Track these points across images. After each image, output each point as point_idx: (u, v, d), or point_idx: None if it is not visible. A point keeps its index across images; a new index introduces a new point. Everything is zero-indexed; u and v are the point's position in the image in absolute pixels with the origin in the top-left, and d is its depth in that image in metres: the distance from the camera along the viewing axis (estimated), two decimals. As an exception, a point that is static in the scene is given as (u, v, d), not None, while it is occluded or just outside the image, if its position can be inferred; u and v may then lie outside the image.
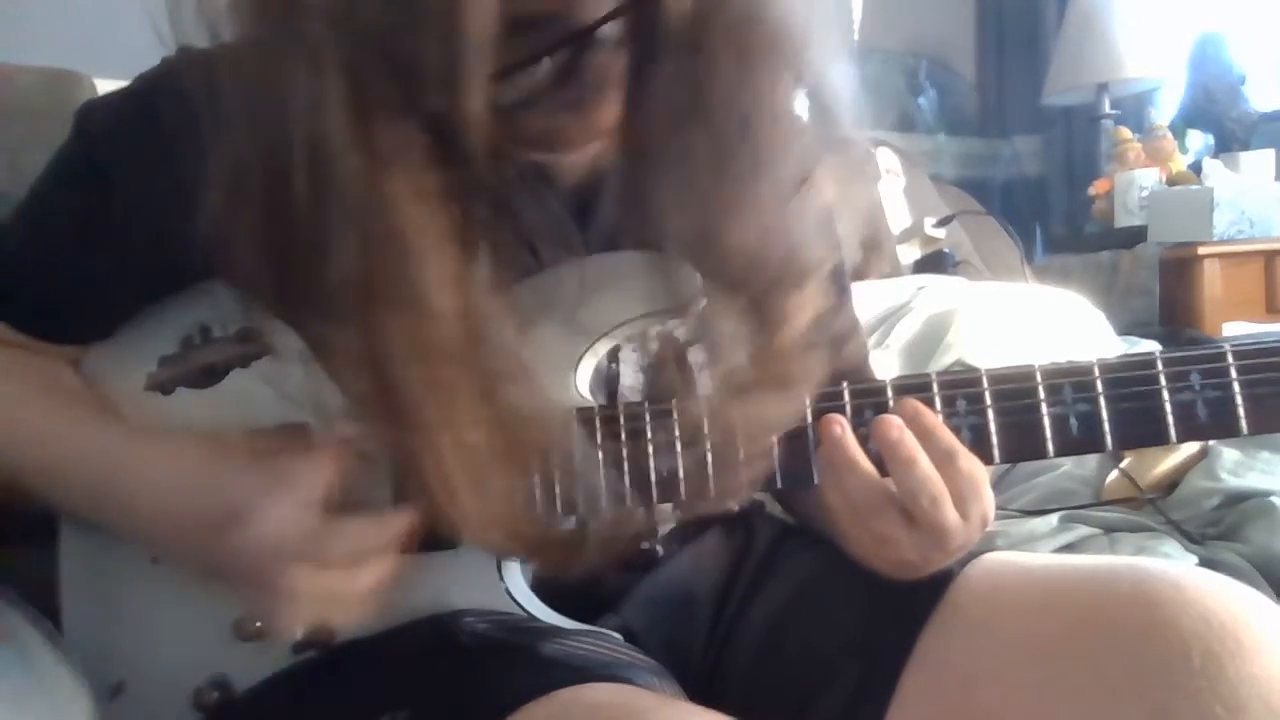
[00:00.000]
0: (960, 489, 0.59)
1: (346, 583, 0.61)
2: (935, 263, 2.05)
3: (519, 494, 0.60)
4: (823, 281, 0.59)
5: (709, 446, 0.62)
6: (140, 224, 0.67)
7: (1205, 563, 1.08)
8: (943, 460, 0.60)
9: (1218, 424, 0.59)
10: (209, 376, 0.70)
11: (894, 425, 0.60)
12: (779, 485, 0.63)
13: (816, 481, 0.63)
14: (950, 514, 0.59)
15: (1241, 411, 0.59)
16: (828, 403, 0.63)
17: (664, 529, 0.75)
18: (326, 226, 0.51)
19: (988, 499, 0.61)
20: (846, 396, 0.63)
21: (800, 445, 0.62)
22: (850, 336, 0.85)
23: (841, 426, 0.61)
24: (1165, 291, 2.15)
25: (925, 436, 0.60)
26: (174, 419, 0.69)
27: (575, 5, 0.53)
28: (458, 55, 0.49)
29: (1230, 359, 0.59)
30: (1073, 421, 0.61)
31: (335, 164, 0.50)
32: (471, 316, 0.54)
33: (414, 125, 0.52)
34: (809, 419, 0.62)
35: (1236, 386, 0.59)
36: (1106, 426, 0.60)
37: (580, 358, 0.67)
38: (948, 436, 0.60)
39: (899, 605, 0.67)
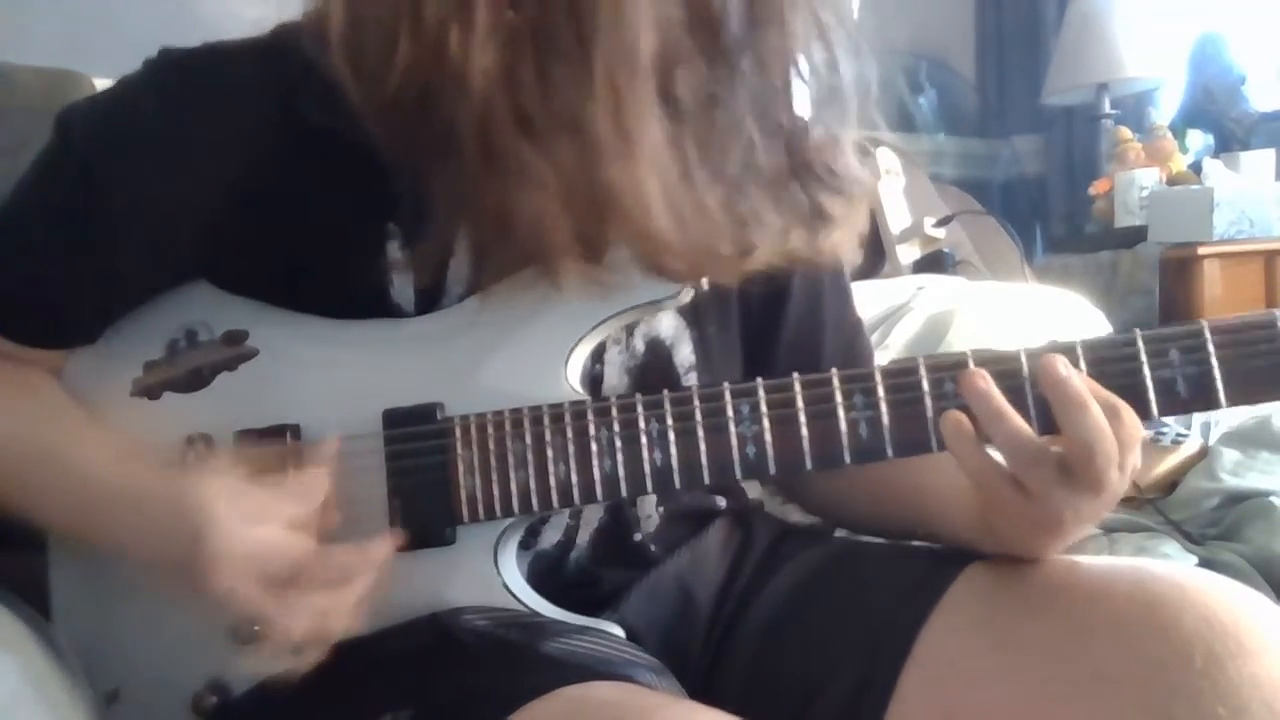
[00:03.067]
0: (1126, 443, 0.58)
1: (335, 601, 0.60)
2: (935, 263, 2.05)
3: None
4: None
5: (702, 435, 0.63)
6: (126, 225, 0.67)
7: (1205, 563, 1.08)
8: (1110, 414, 0.58)
9: (1197, 398, 0.61)
10: (196, 381, 0.69)
11: (1060, 361, 0.58)
12: (890, 454, 0.62)
13: (935, 449, 0.62)
14: (1114, 470, 0.58)
15: (1220, 385, 0.60)
16: (903, 377, 0.62)
17: (652, 526, 0.75)
18: None
19: (1139, 451, 0.59)
20: (923, 370, 0.62)
21: (915, 413, 0.62)
22: (855, 338, 0.84)
23: (985, 380, 0.59)
24: (1165, 291, 2.15)
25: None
26: (162, 424, 0.69)
27: None
28: None
29: (1208, 334, 0.60)
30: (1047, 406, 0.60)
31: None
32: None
33: None
34: (925, 387, 0.62)
35: (1214, 361, 0.60)
36: None
37: (571, 350, 0.67)
38: (1105, 392, 0.58)
39: (898, 605, 0.67)
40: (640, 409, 0.64)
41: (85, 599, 0.70)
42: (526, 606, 0.66)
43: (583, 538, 0.72)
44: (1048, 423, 0.59)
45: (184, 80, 0.68)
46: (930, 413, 0.62)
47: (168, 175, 0.67)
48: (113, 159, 0.68)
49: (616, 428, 0.64)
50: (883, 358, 1.49)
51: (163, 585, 0.63)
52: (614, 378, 0.72)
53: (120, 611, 0.69)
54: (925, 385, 0.62)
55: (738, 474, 0.64)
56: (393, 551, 0.62)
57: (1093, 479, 0.58)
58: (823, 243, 0.65)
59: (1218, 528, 1.21)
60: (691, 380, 0.75)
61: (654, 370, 0.74)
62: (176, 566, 0.59)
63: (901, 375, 0.62)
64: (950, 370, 0.62)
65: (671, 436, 0.64)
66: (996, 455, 0.61)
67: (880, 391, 0.62)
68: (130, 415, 0.69)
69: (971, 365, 0.61)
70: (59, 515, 0.66)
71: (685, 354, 0.75)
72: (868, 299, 1.71)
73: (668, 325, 0.74)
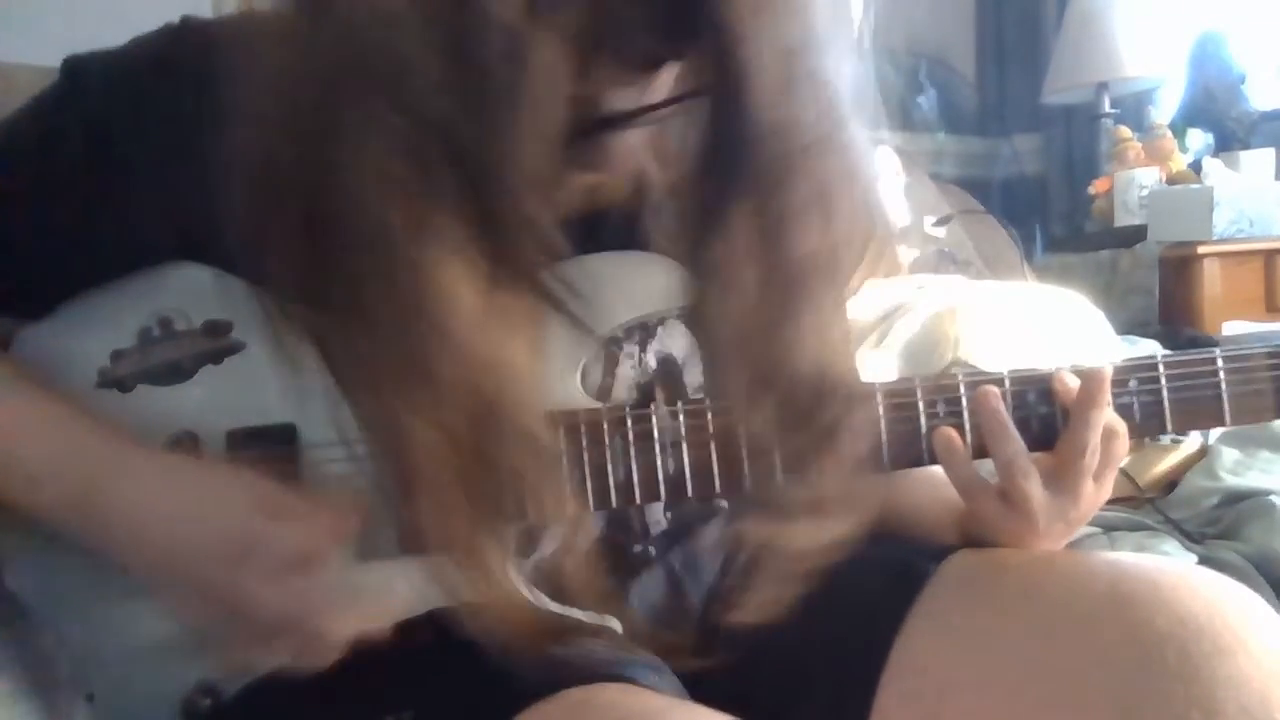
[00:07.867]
0: (1111, 459, 0.67)
1: (300, 586, 0.59)
2: (935, 262, 2.06)
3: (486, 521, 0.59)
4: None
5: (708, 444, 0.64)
6: (124, 188, 0.64)
7: (1204, 562, 1.09)
8: (1107, 434, 0.67)
9: (1148, 425, 0.71)
10: (175, 373, 0.65)
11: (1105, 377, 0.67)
12: (886, 466, 0.68)
13: (927, 462, 0.68)
14: (1089, 480, 0.67)
15: (1168, 413, 0.70)
16: (900, 397, 0.68)
17: (656, 530, 0.74)
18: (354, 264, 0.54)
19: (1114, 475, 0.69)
20: (919, 392, 0.68)
21: (910, 430, 0.68)
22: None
23: (998, 399, 0.67)
24: (1165, 291, 2.15)
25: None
26: (134, 417, 0.64)
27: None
28: (521, 159, 0.51)
29: (1160, 369, 0.70)
30: (1034, 423, 0.68)
31: (378, 231, 0.52)
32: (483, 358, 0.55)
33: (462, 212, 0.53)
34: (919, 403, 0.68)
35: (1165, 393, 0.70)
36: (1060, 427, 0.69)
37: (584, 359, 0.66)
38: (1111, 413, 0.67)
39: (872, 611, 0.66)
40: (655, 417, 0.66)
41: (72, 604, 0.66)
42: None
43: (582, 545, 0.72)
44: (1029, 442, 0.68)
45: (198, 55, 0.63)
46: (924, 429, 0.68)
47: (177, 151, 0.63)
48: (125, 121, 0.64)
49: (630, 437, 0.65)
50: (883, 357, 1.50)
51: (173, 575, 0.60)
52: (622, 392, 0.71)
53: (107, 616, 0.66)
54: (920, 405, 0.68)
55: (747, 483, 0.65)
56: (352, 528, 0.60)
57: (1071, 485, 0.66)
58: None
59: (1217, 526, 1.22)
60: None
61: (663, 388, 0.72)
62: (209, 553, 0.58)
63: (898, 395, 0.68)
64: (942, 393, 0.68)
65: (684, 445, 0.65)
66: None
67: (880, 410, 0.68)
68: (97, 409, 0.64)
69: (961, 386, 0.69)
70: (54, 498, 0.61)
71: (696, 375, 0.73)
72: (868, 299, 1.71)
73: (680, 345, 0.73)
